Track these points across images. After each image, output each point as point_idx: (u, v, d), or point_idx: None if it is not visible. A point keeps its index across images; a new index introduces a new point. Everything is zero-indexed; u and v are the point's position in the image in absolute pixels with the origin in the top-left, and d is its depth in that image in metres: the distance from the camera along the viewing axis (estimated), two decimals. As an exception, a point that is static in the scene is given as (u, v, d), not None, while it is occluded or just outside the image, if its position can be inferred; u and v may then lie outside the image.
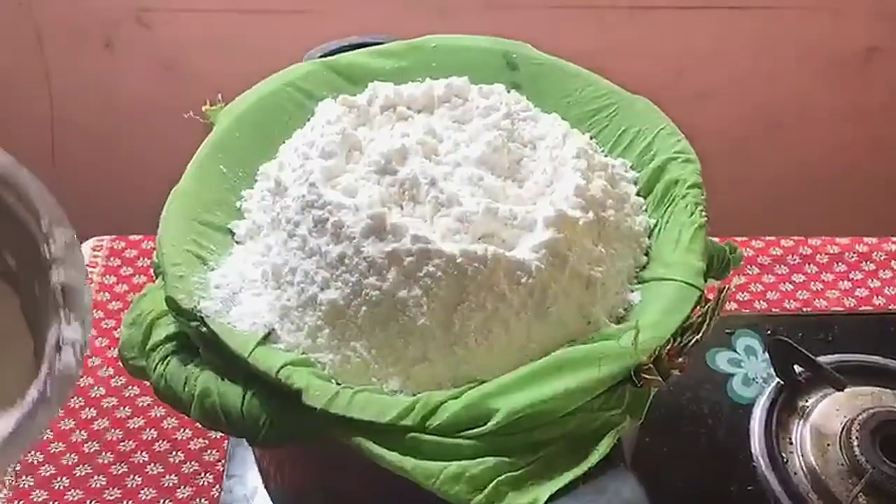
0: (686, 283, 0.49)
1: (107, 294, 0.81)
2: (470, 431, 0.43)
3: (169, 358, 0.48)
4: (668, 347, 0.46)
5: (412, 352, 0.46)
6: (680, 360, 0.46)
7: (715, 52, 1.08)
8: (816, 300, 0.83)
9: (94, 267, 0.83)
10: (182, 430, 0.71)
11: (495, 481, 0.42)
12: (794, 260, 0.86)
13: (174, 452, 0.70)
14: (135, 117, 1.07)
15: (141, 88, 1.05)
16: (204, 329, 0.47)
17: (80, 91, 1.10)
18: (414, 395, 0.45)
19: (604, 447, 0.44)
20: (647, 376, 0.45)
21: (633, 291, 0.51)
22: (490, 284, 0.46)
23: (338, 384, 0.46)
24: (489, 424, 0.43)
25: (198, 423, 0.47)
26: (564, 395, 0.44)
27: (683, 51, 1.08)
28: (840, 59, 1.09)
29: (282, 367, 0.44)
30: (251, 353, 0.45)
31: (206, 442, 0.71)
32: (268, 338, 0.48)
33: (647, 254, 0.53)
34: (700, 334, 0.46)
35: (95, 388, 0.74)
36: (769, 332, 0.78)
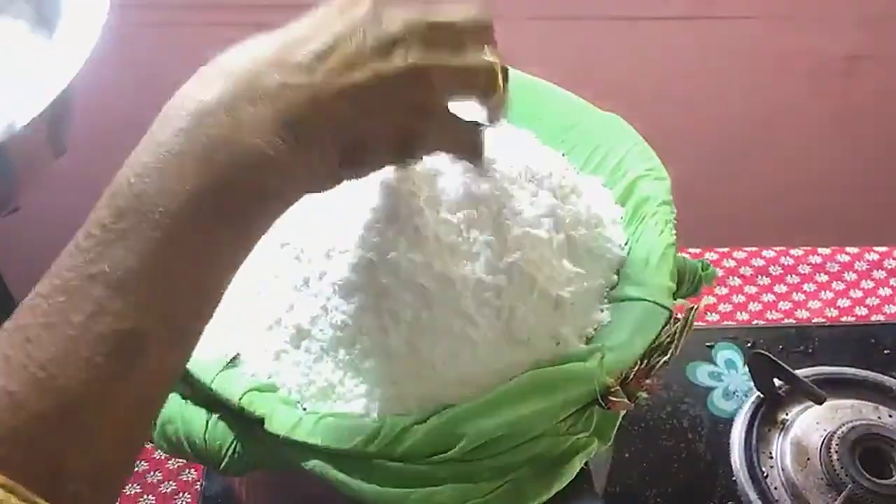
0: (655, 303, 0.48)
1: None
2: (436, 457, 0.42)
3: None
4: (636, 369, 0.45)
5: (378, 374, 0.46)
6: (648, 381, 0.45)
7: (698, 61, 1.08)
8: (798, 311, 0.83)
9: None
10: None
11: (461, 508, 0.42)
12: (777, 271, 0.86)
13: (151, 472, 0.70)
14: (111, 133, 1.06)
15: (118, 104, 1.05)
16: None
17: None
18: (380, 418, 0.45)
19: (571, 471, 0.44)
20: (614, 399, 0.44)
21: (603, 311, 0.50)
22: (457, 306, 0.46)
23: (304, 408, 0.45)
24: (455, 450, 0.42)
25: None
26: (530, 418, 0.43)
27: (667, 61, 1.08)
28: (823, 68, 1.09)
29: (244, 394, 0.44)
30: (213, 379, 0.45)
31: (184, 462, 0.70)
32: (234, 361, 0.47)
33: (617, 272, 0.53)
34: (668, 355, 0.46)
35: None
36: (749, 344, 0.77)
